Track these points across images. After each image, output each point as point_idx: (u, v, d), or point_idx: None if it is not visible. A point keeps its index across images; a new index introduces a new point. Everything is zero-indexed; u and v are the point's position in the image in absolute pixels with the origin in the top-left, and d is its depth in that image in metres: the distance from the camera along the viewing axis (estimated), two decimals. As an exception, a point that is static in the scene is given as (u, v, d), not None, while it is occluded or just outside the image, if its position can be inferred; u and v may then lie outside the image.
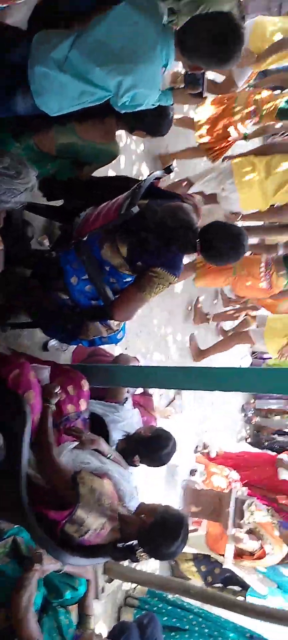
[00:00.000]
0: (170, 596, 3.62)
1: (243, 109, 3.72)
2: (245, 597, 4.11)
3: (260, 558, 4.13)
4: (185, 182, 3.98)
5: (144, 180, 2.27)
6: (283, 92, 4.02)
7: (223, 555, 4.08)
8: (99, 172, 2.58)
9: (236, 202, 3.81)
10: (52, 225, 3.01)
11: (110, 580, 3.38)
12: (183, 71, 2.22)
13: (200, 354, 5.01)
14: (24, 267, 2.64)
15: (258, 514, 4.17)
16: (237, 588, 4.31)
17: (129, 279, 2.27)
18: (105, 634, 2.81)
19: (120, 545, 1.98)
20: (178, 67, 2.21)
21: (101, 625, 3.31)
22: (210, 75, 3.27)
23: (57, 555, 1.91)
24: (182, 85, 2.24)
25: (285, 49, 3.44)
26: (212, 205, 3.95)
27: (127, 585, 3.70)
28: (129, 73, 1.89)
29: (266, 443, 6.44)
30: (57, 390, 2.13)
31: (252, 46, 3.45)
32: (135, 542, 1.96)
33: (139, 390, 3.25)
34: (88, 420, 2.39)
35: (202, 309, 5.23)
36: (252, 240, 4.60)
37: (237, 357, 6.04)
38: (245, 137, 4.04)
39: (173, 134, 2.71)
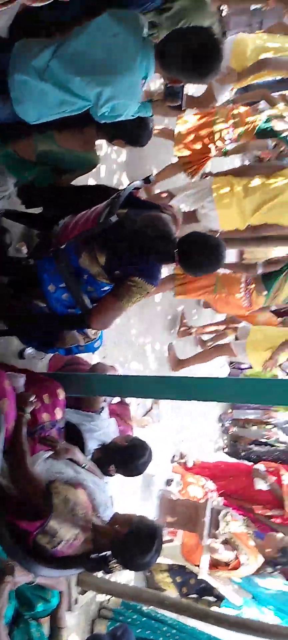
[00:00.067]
0: (144, 608, 3.59)
1: (223, 123, 3.78)
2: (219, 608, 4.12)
3: (235, 568, 4.15)
4: (166, 194, 4.02)
5: (124, 189, 2.28)
6: (263, 111, 4.07)
7: (198, 565, 4.09)
8: (78, 181, 2.58)
9: (215, 219, 3.86)
10: (30, 232, 2.99)
11: (83, 592, 3.33)
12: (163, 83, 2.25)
13: (178, 364, 5.01)
14: (0, 274, 2.61)
15: (234, 524, 4.20)
16: (212, 599, 4.31)
17: (106, 288, 2.26)
18: (78, 647, 2.78)
19: (93, 556, 1.97)
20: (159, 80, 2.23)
21: (74, 638, 3.25)
22: (191, 89, 3.31)
23: (28, 566, 1.89)
24: (162, 98, 2.27)
25: (265, 68, 3.51)
26: (192, 224, 4.00)
27: (101, 597, 3.65)
28: (109, 84, 1.91)
29: (243, 453, 6.46)
30: (32, 398, 2.11)
31: (233, 64, 3.49)
32: (108, 552, 1.95)
33: (116, 400, 3.23)
34: (63, 430, 2.37)
35: (187, 323, 5.26)
36: (231, 259, 4.64)
37: (215, 366, 6.07)
38: (225, 154, 4.09)
39: (153, 146, 2.73)
